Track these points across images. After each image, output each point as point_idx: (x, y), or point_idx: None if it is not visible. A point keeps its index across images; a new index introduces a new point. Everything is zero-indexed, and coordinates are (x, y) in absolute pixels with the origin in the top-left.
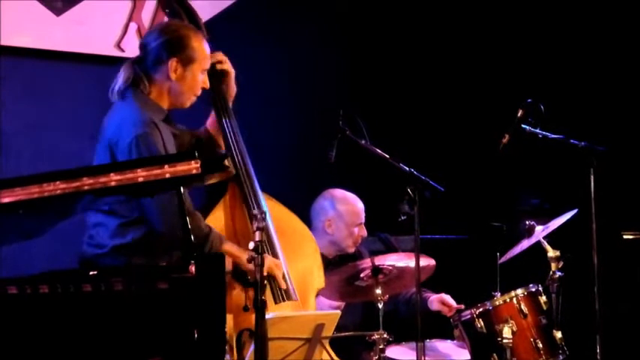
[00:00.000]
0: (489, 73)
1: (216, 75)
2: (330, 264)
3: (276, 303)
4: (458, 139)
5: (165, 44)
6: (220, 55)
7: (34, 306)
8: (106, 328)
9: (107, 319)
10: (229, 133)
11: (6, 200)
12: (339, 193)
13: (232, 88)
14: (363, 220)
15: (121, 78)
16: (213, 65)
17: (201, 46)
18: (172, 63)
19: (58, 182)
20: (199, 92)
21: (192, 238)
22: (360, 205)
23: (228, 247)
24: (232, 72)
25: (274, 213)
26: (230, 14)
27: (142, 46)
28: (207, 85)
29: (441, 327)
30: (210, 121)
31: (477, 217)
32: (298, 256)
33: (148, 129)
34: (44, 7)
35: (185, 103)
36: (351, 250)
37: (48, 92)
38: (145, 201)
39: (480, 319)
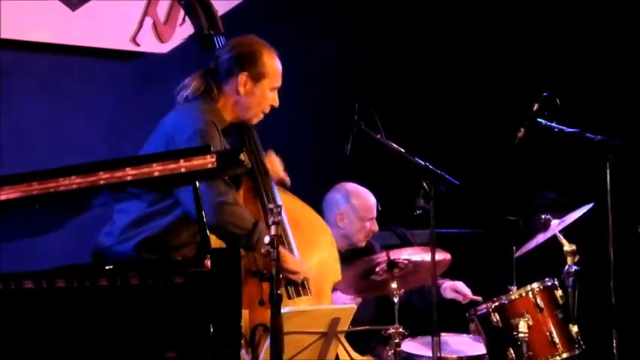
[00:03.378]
0: (505, 67)
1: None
2: (343, 258)
3: (290, 299)
4: (473, 132)
5: (237, 58)
6: None
7: (50, 300)
8: (121, 322)
9: (123, 313)
10: (243, 126)
11: (22, 195)
12: (351, 186)
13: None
14: (375, 215)
15: (190, 87)
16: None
17: (272, 63)
18: (242, 77)
19: (74, 177)
20: (268, 109)
21: (241, 227)
22: (372, 200)
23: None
24: None
25: (289, 205)
26: (243, 9)
27: (215, 58)
28: (277, 103)
29: (457, 321)
30: None
31: (492, 211)
32: (314, 248)
33: (208, 127)
34: (60, 1)
35: (252, 118)
36: (362, 244)
37: (64, 87)
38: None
39: (496, 313)
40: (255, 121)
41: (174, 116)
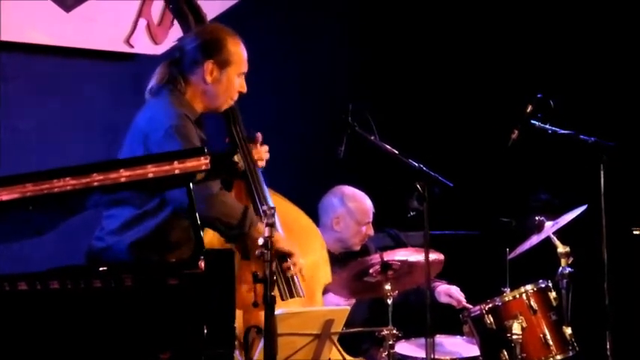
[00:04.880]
0: (499, 69)
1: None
2: (337, 260)
3: (282, 300)
4: (467, 134)
5: (202, 46)
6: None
7: (45, 302)
8: (116, 323)
9: (117, 314)
10: (236, 131)
11: (16, 196)
12: (348, 190)
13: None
14: (371, 219)
15: (155, 77)
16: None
17: (237, 50)
18: (208, 65)
19: (67, 178)
20: (236, 96)
21: (231, 216)
22: (368, 204)
23: (260, 225)
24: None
25: (281, 209)
26: (238, 11)
27: (179, 48)
28: (245, 89)
29: (451, 323)
30: None
31: (486, 213)
32: (305, 251)
33: (182, 121)
34: (54, 3)
35: (221, 106)
36: (357, 247)
37: (58, 88)
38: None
39: (490, 315)
40: (224, 108)
41: (145, 114)
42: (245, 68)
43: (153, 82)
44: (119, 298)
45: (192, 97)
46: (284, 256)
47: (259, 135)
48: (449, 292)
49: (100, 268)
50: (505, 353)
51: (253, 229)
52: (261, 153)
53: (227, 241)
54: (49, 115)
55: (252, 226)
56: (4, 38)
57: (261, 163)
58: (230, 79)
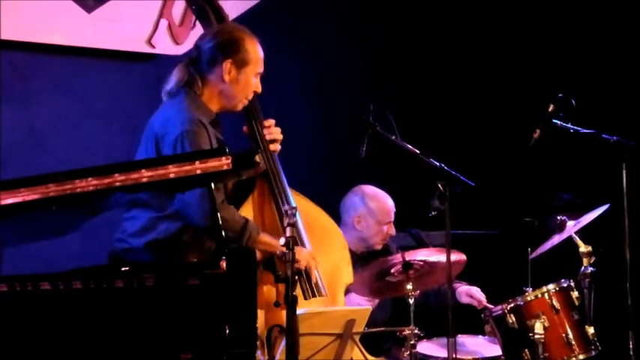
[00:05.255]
0: (520, 68)
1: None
2: (358, 260)
3: (305, 299)
4: (488, 134)
5: (220, 46)
6: (272, 125)
7: (67, 302)
8: (137, 323)
9: (139, 315)
10: (258, 131)
11: (39, 197)
12: (370, 189)
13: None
14: (393, 219)
15: (174, 79)
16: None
17: (255, 49)
18: (227, 65)
19: (90, 179)
20: (251, 96)
21: (230, 230)
22: (390, 203)
23: (266, 237)
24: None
25: (302, 208)
26: (257, 12)
27: (197, 47)
28: (259, 89)
29: (473, 322)
30: None
31: (508, 213)
32: (327, 251)
33: (195, 127)
34: (76, 4)
35: (237, 105)
36: (379, 247)
37: (80, 89)
38: (183, 195)
39: (512, 315)
40: (239, 107)
41: (160, 116)
42: (262, 68)
43: (171, 84)
44: (141, 298)
45: (209, 98)
46: None
47: (271, 120)
48: (470, 293)
49: (122, 268)
50: (527, 353)
51: (252, 243)
52: (275, 134)
53: None
54: (71, 115)
55: (251, 240)
56: (26, 39)
57: (277, 146)
58: (247, 79)
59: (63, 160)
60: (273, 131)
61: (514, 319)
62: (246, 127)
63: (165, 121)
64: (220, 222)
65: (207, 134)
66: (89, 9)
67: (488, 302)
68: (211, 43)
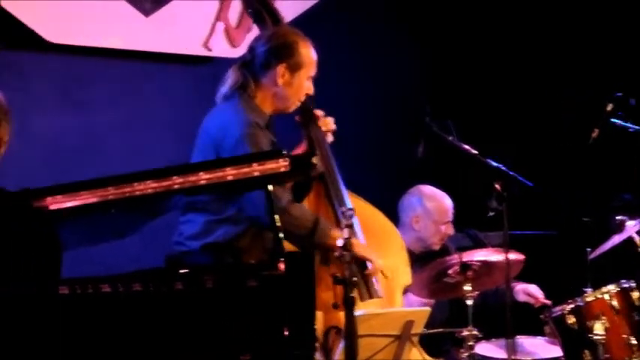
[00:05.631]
0: (578, 67)
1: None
2: (417, 260)
3: (362, 300)
4: (546, 133)
5: (274, 50)
6: (322, 116)
7: (127, 304)
8: (196, 325)
9: (198, 316)
10: (314, 133)
11: (99, 200)
12: (427, 189)
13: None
14: (451, 219)
15: (228, 81)
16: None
17: (308, 53)
18: (280, 69)
19: (148, 181)
20: (303, 98)
21: (301, 227)
22: (448, 203)
23: (337, 232)
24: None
25: (359, 210)
26: (314, 13)
27: (250, 50)
28: (312, 91)
29: (532, 323)
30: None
31: (566, 213)
32: (384, 252)
33: (253, 129)
34: (133, 7)
35: (289, 107)
36: (437, 247)
37: (137, 92)
38: (251, 195)
39: (571, 316)
40: (292, 109)
41: (216, 120)
42: (314, 71)
43: (226, 87)
44: (200, 300)
45: (262, 100)
46: (363, 261)
47: (321, 112)
48: (527, 291)
49: (181, 271)
50: (588, 354)
51: (326, 238)
52: (328, 124)
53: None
54: (128, 118)
55: (324, 236)
56: (85, 43)
57: (329, 136)
58: (300, 82)
59: (121, 163)
60: (325, 122)
61: (574, 320)
62: (298, 117)
63: (222, 124)
64: (285, 226)
65: (264, 135)
66: (146, 13)
67: (545, 299)
68: (265, 46)
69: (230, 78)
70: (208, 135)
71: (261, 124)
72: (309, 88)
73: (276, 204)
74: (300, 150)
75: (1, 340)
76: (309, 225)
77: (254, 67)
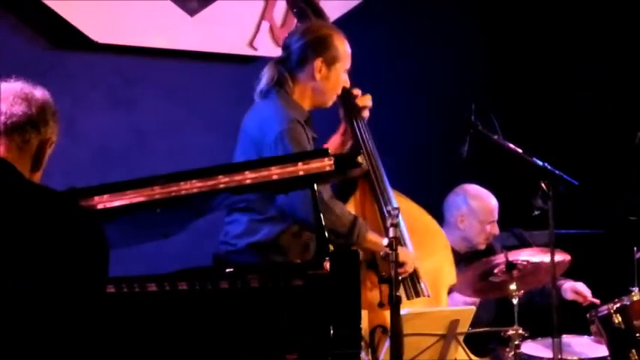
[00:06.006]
0: (625, 66)
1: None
2: (462, 259)
3: (408, 299)
4: (592, 132)
5: (310, 44)
6: (360, 94)
7: (173, 303)
8: (242, 324)
9: (243, 315)
10: (359, 130)
11: (145, 199)
12: (472, 189)
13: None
14: (496, 218)
15: (264, 78)
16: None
17: (343, 46)
18: (317, 63)
19: (194, 181)
20: (340, 92)
21: (340, 225)
22: (493, 202)
23: (373, 236)
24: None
25: (404, 209)
26: (361, 11)
27: (285, 47)
28: (348, 84)
29: (578, 322)
30: (332, 142)
31: (612, 212)
32: (429, 252)
33: (293, 125)
34: (178, 7)
35: (327, 102)
36: (482, 247)
37: (182, 92)
38: (288, 195)
39: (618, 315)
40: (329, 104)
41: (255, 118)
42: (349, 64)
43: (262, 84)
44: (245, 299)
45: (300, 96)
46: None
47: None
48: (575, 289)
49: (227, 270)
50: (635, 353)
51: (362, 240)
52: (365, 101)
53: None
54: (173, 117)
55: (361, 237)
56: (130, 43)
57: (366, 113)
58: (337, 76)
59: (167, 162)
60: (363, 98)
61: (620, 319)
62: (342, 113)
63: (261, 122)
64: (324, 222)
65: (305, 132)
66: (192, 12)
67: (593, 297)
68: (300, 41)
69: (266, 74)
70: (248, 134)
71: (300, 120)
72: (345, 81)
73: (322, 199)
74: (335, 138)
75: (53, 338)
76: (348, 223)
77: (290, 63)
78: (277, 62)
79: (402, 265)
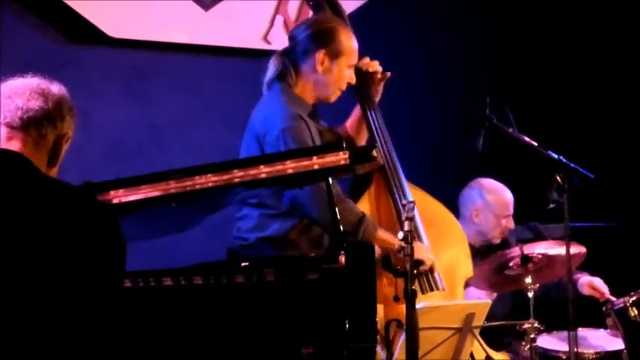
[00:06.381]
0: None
1: (363, 74)
2: (477, 253)
3: (423, 293)
4: (607, 124)
5: (314, 36)
6: (368, 61)
7: (189, 297)
8: (258, 318)
9: (259, 309)
10: (374, 123)
11: (160, 193)
12: (488, 183)
13: (378, 91)
14: (512, 212)
15: (270, 70)
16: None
17: (349, 40)
18: (320, 55)
19: (209, 175)
20: (344, 87)
21: (346, 223)
22: (509, 196)
23: (383, 233)
24: (380, 75)
25: (420, 202)
26: (374, 5)
27: (291, 38)
28: (354, 80)
29: (594, 316)
30: (350, 122)
31: (628, 204)
32: (446, 244)
33: (295, 122)
34: (193, 2)
35: (330, 97)
36: (497, 241)
37: (197, 86)
38: (299, 190)
39: (634, 308)
40: (332, 99)
41: (260, 113)
42: (355, 60)
43: (267, 76)
44: (261, 293)
45: (303, 89)
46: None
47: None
48: (592, 285)
49: (242, 264)
50: None
51: (370, 238)
52: (374, 66)
53: None
54: (188, 112)
55: (368, 235)
56: (145, 38)
57: (378, 80)
58: (341, 70)
59: (182, 157)
60: (372, 64)
61: (636, 312)
62: (360, 107)
63: (265, 118)
64: (338, 216)
65: (308, 127)
66: (206, 7)
67: (610, 294)
68: (305, 32)
69: (271, 66)
70: (252, 128)
71: (303, 115)
72: (350, 77)
73: (325, 197)
74: (347, 124)
75: (71, 333)
76: (355, 220)
77: (295, 54)
78: (282, 54)
79: (420, 262)
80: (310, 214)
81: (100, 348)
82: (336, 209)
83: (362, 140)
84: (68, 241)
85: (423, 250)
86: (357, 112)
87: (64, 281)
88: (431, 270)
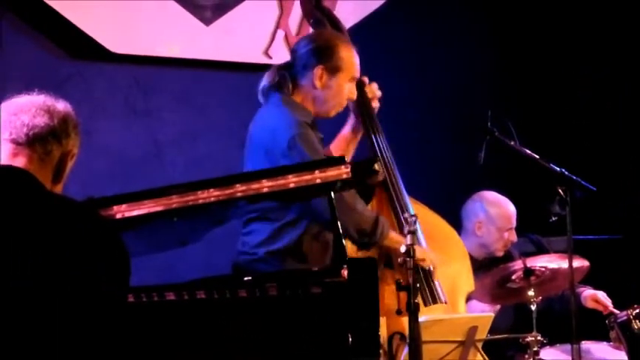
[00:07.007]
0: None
1: (363, 90)
2: (480, 266)
3: (426, 306)
4: (609, 137)
5: (314, 51)
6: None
7: (191, 312)
8: (260, 332)
9: (262, 324)
10: (375, 138)
11: (162, 208)
12: (490, 195)
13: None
14: (514, 225)
15: (265, 80)
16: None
17: (349, 56)
18: (318, 70)
19: (211, 189)
20: (345, 103)
21: (364, 222)
22: (511, 209)
23: (395, 235)
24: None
25: (421, 216)
26: (376, 19)
27: (293, 52)
28: (354, 96)
29: (597, 328)
30: (335, 145)
31: (630, 217)
32: (447, 259)
33: (303, 129)
34: (194, 17)
35: (329, 112)
36: (500, 253)
37: (198, 101)
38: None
39: (637, 321)
40: (332, 114)
41: (263, 126)
42: (357, 74)
43: (263, 83)
44: (264, 307)
45: (304, 100)
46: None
47: (365, 78)
48: (595, 298)
49: (245, 278)
50: None
51: (384, 239)
52: (374, 91)
53: (359, 249)
54: (190, 126)
55: (383, 236)
56: (147, 53)
57: (375, 103)
58: (340, 86)
59: (184, 171)
60: (371, 88)
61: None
62: (361, 121)
63: (270, 128)
64: (348, 223)
65: (313, 134)
66: (207, 22)
67: (614, 308)
68: (306, 48)
69: (266, 77)
70: (257, 142)
71: (308, 122)
72: (351, 92)
73: (341, 200)
74: (341, 137)
75: (74, 347)
76: (371, 221)
77: (295, 68)
78: (281, 67)
79: (420, 260)
80: (327, 219)
81: None
82: (343, 218)
83: None
84: (72, 256)
85: (422, 250)
86: (343, 134)
87: (69, 296)
88: (430, 277)
